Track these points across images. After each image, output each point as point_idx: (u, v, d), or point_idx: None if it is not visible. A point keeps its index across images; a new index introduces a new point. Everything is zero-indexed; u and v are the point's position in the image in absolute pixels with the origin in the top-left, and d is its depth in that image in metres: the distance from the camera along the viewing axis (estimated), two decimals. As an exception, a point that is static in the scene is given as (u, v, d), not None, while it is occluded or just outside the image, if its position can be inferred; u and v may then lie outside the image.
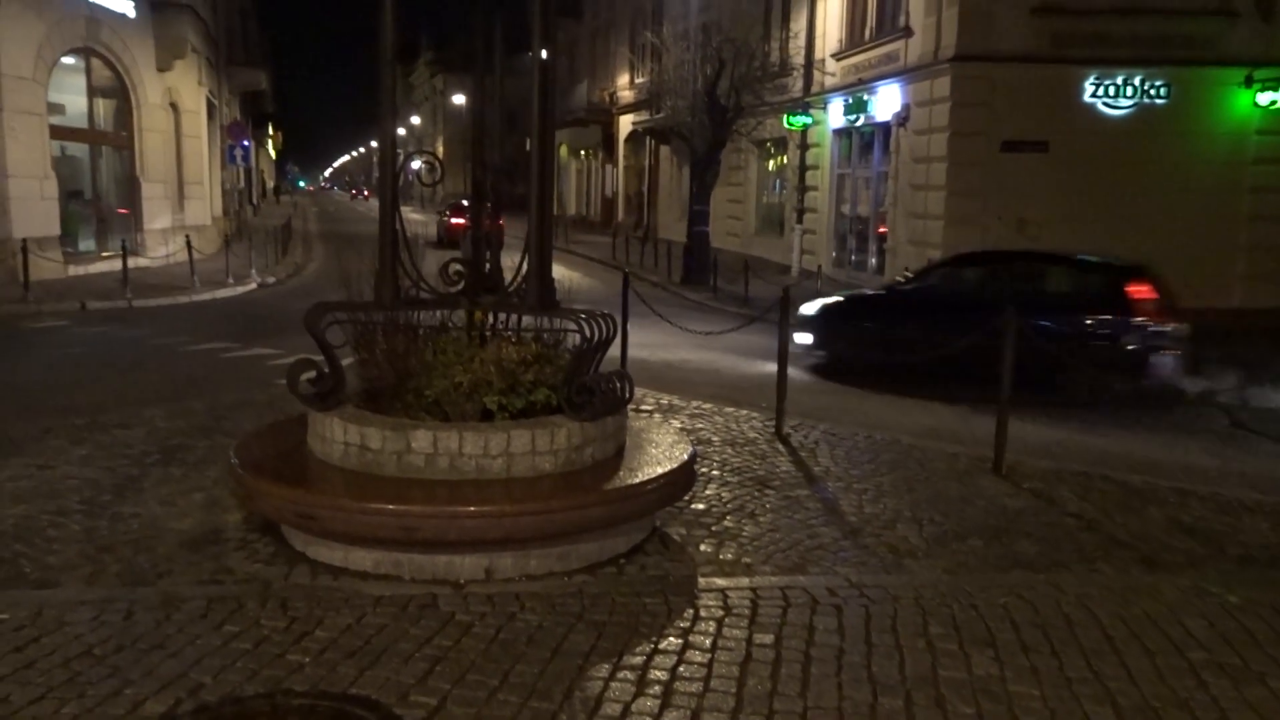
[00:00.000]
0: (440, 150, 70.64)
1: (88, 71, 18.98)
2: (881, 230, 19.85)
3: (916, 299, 11.14)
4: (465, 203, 32.63)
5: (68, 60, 18.11)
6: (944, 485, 6.46)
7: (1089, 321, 10.30)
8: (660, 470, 5.02)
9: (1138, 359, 10.09)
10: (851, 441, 7.58)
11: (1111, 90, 16.39)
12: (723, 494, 6.06)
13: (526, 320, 5.58)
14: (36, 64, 16.65)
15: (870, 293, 12.92)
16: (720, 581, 4.65)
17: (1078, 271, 11.05)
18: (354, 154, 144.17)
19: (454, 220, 29.02)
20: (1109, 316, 10.24)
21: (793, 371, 8.08)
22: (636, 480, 4.90)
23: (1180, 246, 16.48)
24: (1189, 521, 5.88)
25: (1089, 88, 16.42)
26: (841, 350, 11.36)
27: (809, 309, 11.83)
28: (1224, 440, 8.83)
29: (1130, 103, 16.45)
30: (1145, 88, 16.38)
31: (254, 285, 18.59)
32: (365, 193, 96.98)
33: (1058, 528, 5.70)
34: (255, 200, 49.72)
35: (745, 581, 4.66)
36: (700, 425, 7.88)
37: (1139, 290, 10.07)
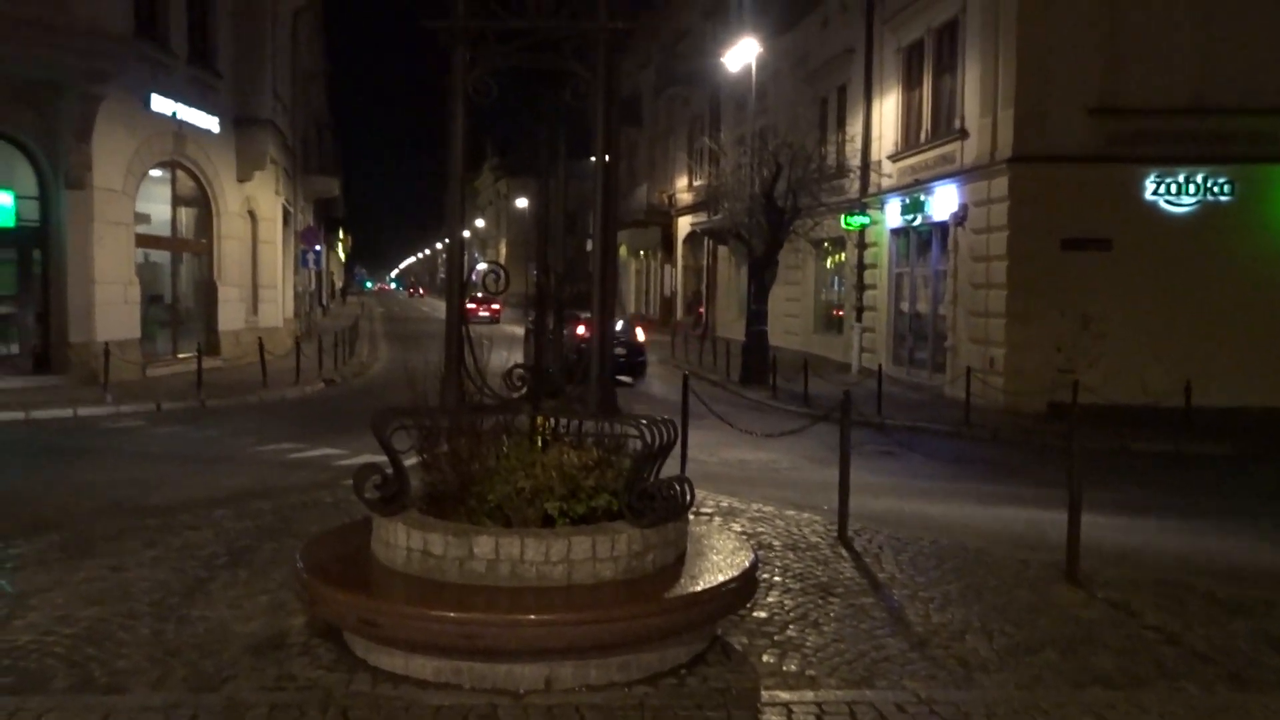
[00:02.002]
0: (503, 252, 72.54)
1: (173, 183, 19.99)
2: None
3: None
4: (480, 295, 38.67)
5: (155, 172, 19.10)
6: (1014, 594, 6.26)
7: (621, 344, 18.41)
8: (722, 578, 4.97)
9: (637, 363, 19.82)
10: (916, 546, 7.42)
11: (1173, 188, 16.29)
12: (785, 601, 5.95)
13: (588, 424, 5.63)
14: (126, 177, 17.60)
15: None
16: (784, 695, 4.54)
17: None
18: (420, 255, 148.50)
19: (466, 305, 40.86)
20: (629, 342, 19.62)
21: (855, 473, 7.97)
22: (698, 588, 4.85)
23: (1250, 344, 16.17)
24: (1279, 635, 5.61)
25: (1150, 186, 16.34)
26: None
27: None
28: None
29: (1193, 200, 16.32)
30: (1208, 185, 16.25)
31: (322, 385, 19.03)
32: (421, 291, 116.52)
33: (1137, 640, 5.47)
34: (325, 302, 51.27)
35: (810, 695, 4.54)
36: (761, 529, 7.78)
37: (641, 328, 19.00)
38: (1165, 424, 14.02)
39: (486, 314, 42.88)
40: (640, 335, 21.25)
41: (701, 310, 37.03)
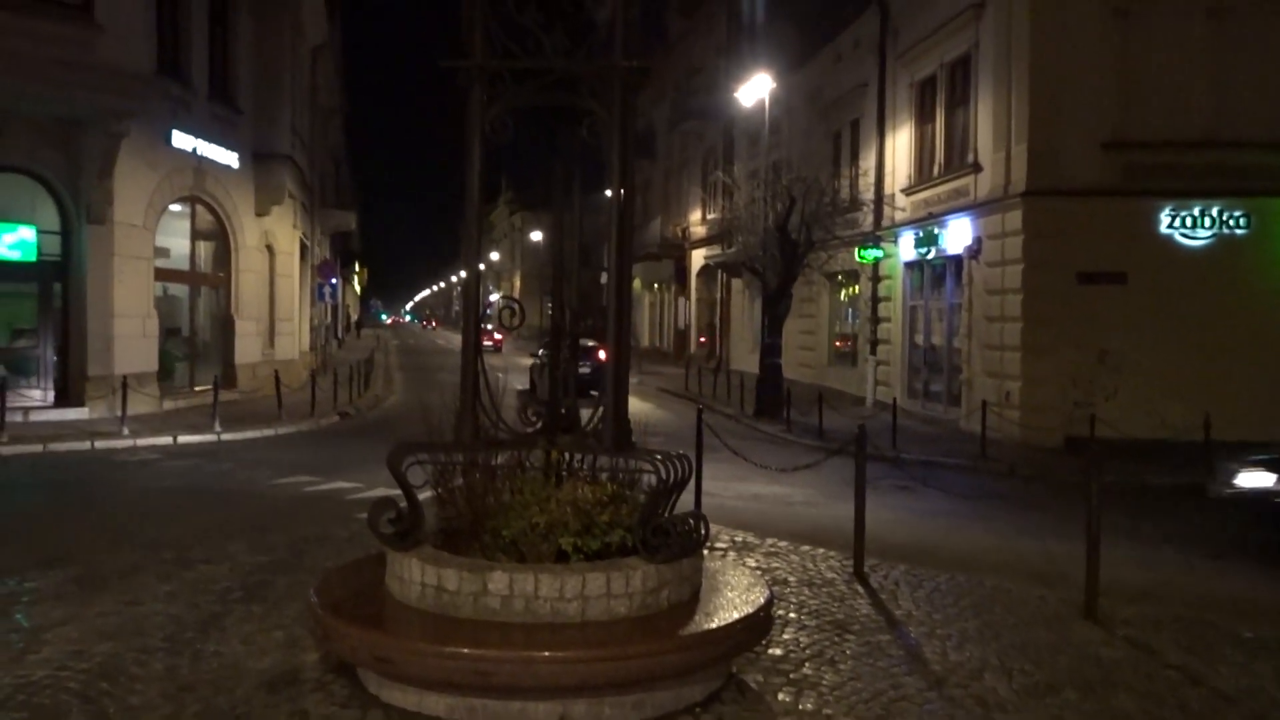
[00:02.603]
0: (518, 285, 72.91)
1: (192, 217, 20.19)
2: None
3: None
4: (488, 326, 41.01)
5: (174, 207, 19.30)
6: (1033, 631, 6.19)
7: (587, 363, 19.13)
8: (737, 615, 4.93)
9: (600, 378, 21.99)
10: (933, 582, 7.36)
11: (1189, 221, 16.24)
12: (800, 638, 5.90)
13: (602, 459, 5.62)
14: (147, 212, 17.80)
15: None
16: (800, 734, 4.49)
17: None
18: (435, 288, 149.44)
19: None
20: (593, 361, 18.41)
21: (870, 508, 7.93)
22: (713, 625, 4.81)
23: (1269, 377, 16.03)
24: (1303, 676, 5.52)
25: (1165, 219, 16.30)
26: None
27: None
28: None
29: (1209, 233, 16.27)
30: (1224, 218, 16.20)
31: (336, 418, 19.09)
32: (433, 323, 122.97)
33: (1158, 681, 5.39)
34: (340, 334, 51.55)
35: (826, 735, 4.49)
36: (776, 564, 7.73)
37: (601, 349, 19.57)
38: (1184, 459, 13.88)
39: (490, 343, 45.50)
40: (602, 355, 28.19)
41: (703, 340, 37.14)
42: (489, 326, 40.25)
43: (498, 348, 44.36)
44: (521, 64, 5.49)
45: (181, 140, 18.74)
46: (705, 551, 5.74)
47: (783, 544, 8.50)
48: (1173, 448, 14.21)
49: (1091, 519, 6.60)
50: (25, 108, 15.51)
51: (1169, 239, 16.36)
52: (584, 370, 28.04)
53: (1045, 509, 11.71)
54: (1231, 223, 16.25)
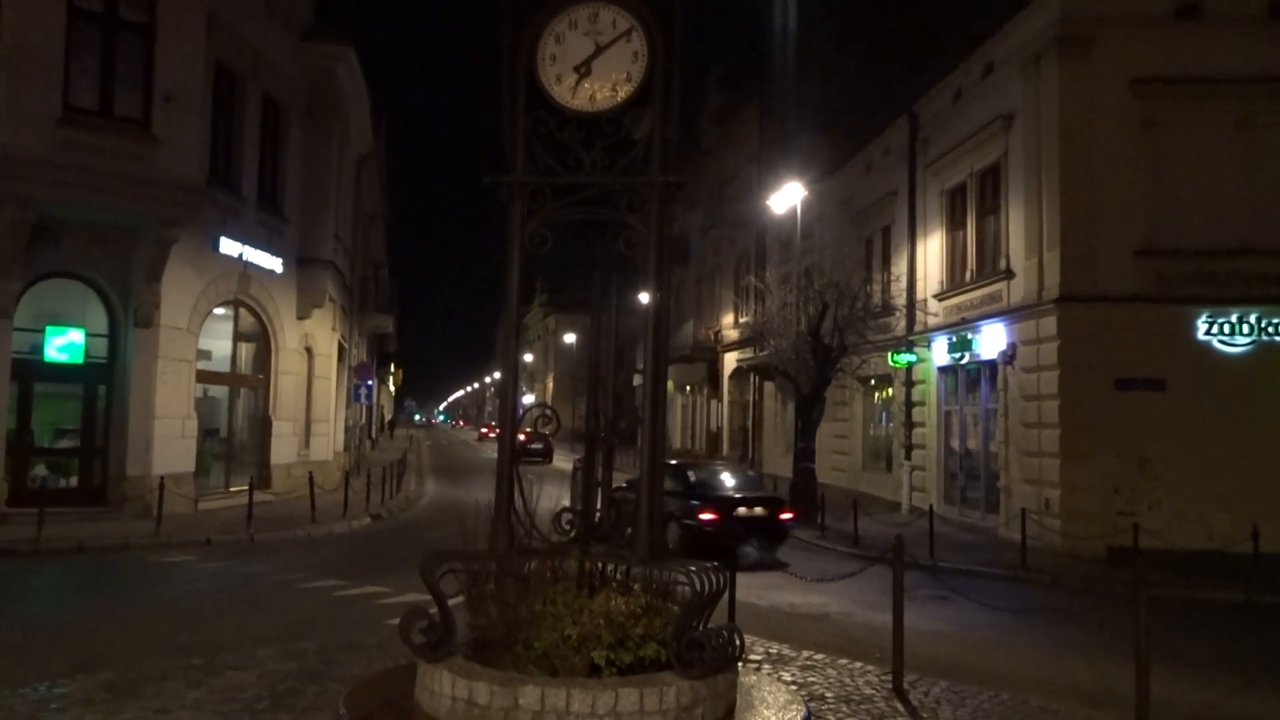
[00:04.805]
0: (550, 385, 73.34)
1: (235, 320, 20.67)
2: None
3: None
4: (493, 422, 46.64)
5: (219, 310, 19.79)
6: (1083, 756, 5.95)
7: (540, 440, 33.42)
8: (773, 734, 4.80)
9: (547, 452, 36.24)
10: (976, 700, 7.12)
11: (1227, 329, 16.11)
12: (840, 759, 5.71)
13: (636, 569, 5.57)
14: (192, 316, 18.25)
15: None
16: None
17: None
18: (468, 389, 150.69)
19: (482, 429, 59.05)
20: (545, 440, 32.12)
21: (909, 619, 7.74)
22: (749, 745, 4.68)
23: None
24: (1372, 809, 5.23)
25: (1202, 326, 16.17)
26: None
27: None
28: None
29: (1248, 341, 16.10)
30: (1263, 325, 16.04)
31: (368, 520, 19.08)
32: (462, 423, 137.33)
33: (1218, 812, 5.14)
34: (374, 435, 51.90)
35: None
36: (812, 679, 7.53)
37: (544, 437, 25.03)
38: (1233, 571, 13.48)
39: (486, 430, 50.25)
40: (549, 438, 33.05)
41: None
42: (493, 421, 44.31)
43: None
44: (561, 180, 5.66)
45: (229, 246, 19.32)
46: (740, 665, 5.61)
47: (819, 657, 8.30)
48: (1220, 559, 13.81)
49: (1140, 635, 6.40)
50: (83, 216, 16.11)
51: (1207, 346, 16.21)
52: (536, 446, 32.51)
53: (1090, 622, 11.35)
54: (1271, 330, 16.09)
